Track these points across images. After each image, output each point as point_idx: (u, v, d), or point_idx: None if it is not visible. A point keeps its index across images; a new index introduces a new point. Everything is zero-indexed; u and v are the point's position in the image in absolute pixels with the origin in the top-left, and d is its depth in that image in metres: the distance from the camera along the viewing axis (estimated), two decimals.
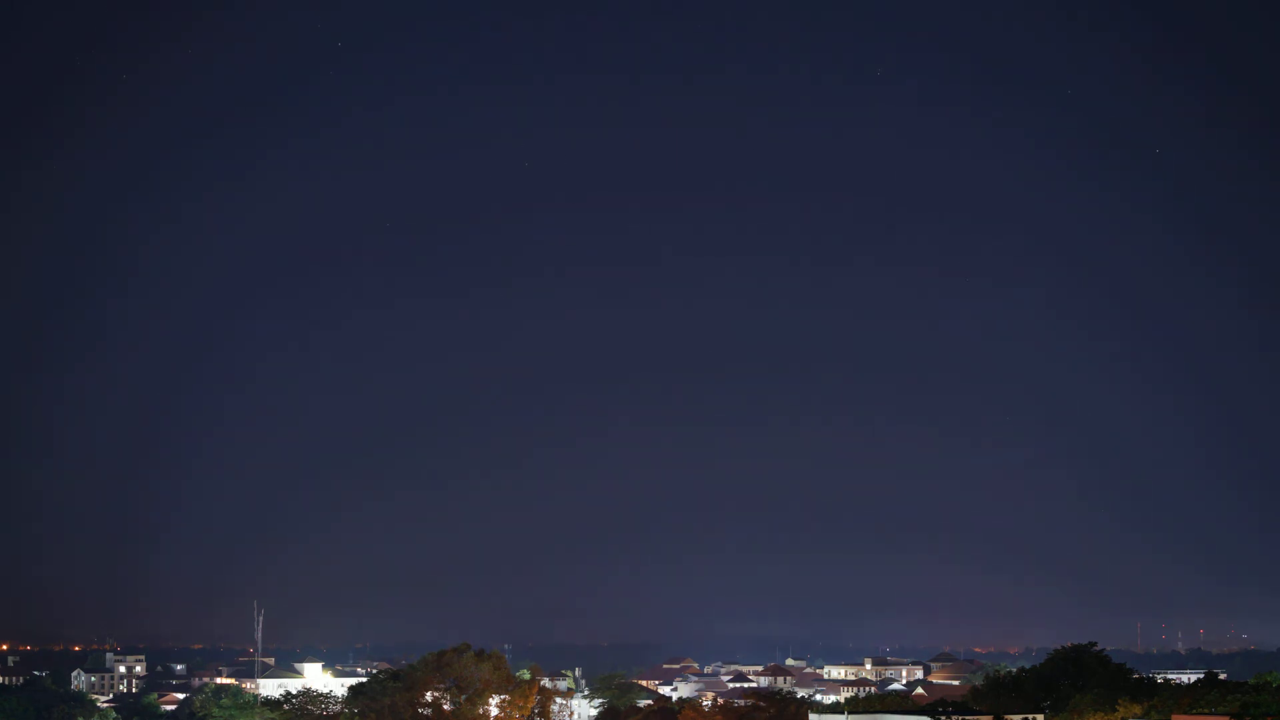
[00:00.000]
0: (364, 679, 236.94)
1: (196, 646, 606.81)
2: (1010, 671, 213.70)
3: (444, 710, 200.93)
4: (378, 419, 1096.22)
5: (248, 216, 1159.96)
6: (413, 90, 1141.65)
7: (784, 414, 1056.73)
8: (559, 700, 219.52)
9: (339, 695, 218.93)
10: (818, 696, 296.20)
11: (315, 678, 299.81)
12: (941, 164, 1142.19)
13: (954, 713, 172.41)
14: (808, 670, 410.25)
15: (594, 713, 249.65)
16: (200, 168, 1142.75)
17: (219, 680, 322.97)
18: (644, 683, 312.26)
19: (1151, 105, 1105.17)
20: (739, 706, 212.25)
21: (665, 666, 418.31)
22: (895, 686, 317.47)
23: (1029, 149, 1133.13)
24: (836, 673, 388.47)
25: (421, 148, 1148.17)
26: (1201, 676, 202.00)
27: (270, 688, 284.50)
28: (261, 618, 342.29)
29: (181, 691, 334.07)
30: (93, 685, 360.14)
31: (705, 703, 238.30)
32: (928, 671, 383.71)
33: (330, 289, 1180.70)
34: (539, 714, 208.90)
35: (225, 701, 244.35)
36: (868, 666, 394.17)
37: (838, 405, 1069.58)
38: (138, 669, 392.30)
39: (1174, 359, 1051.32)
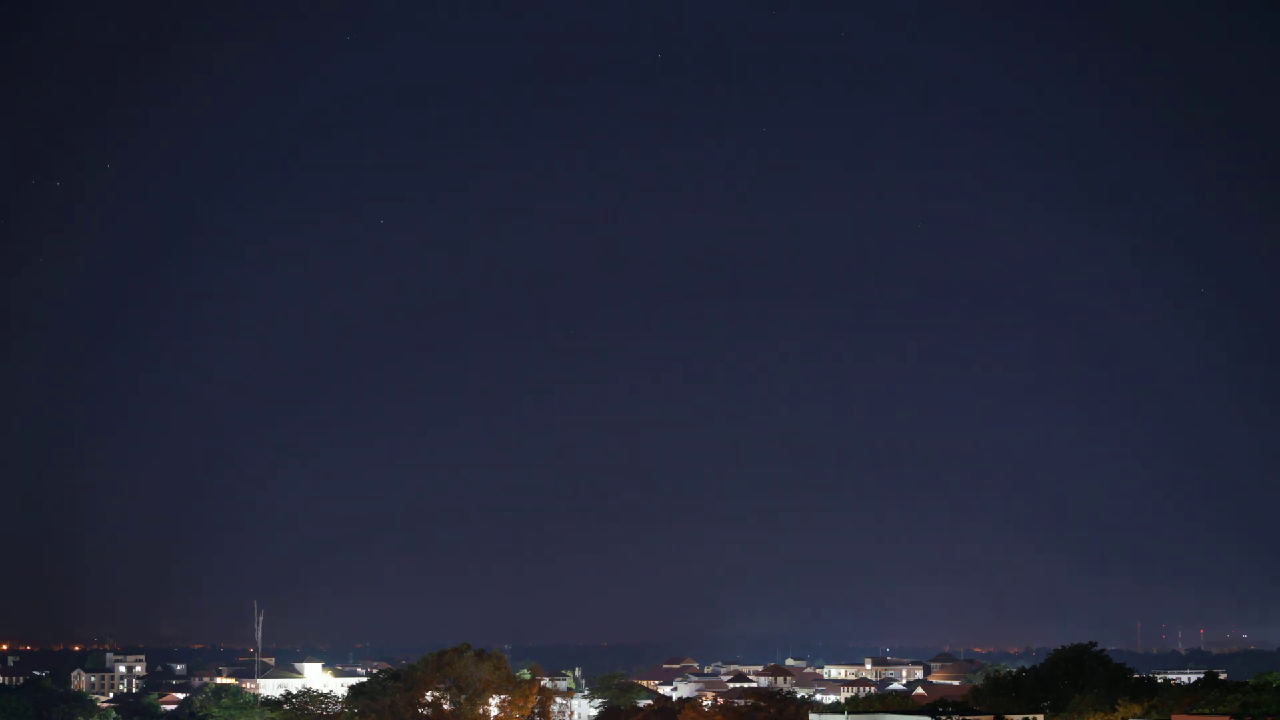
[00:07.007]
0: (364, 679, 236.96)
1: (196, 646, 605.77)
2: (1010, 671, 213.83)
3: (444, 710, 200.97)
4: (383, 420, 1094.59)
5: (325, 258, 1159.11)
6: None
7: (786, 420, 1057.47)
8: (559, 700, 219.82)
9: (339, 695, 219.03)
10: (818, 696, 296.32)
11: (315, 678, 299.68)
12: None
13: (954, 713, 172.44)
14: (808, 670, 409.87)
15: (594, 713, 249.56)
16: (261, 214, 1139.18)
17: (219, 680, 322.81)
18: (644, 683, 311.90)
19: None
20: (739, 706, 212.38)
21: (665, 666, 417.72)
22: (895, 686, 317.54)
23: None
24: (836, 673, 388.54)
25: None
26: (1201, 676, 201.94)
27: (270, 688, 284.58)
28: (261, 617, 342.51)
29: (181, 691, 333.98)
30: (93, 685, 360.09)
31: (705, 703, 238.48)
32: (928, 671, 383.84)
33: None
34: (539, 714, 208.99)
35: (225, 701, 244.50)
36: (868, 666, 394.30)
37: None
38: (138, 669, 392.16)
39: (1163, 426, 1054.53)
